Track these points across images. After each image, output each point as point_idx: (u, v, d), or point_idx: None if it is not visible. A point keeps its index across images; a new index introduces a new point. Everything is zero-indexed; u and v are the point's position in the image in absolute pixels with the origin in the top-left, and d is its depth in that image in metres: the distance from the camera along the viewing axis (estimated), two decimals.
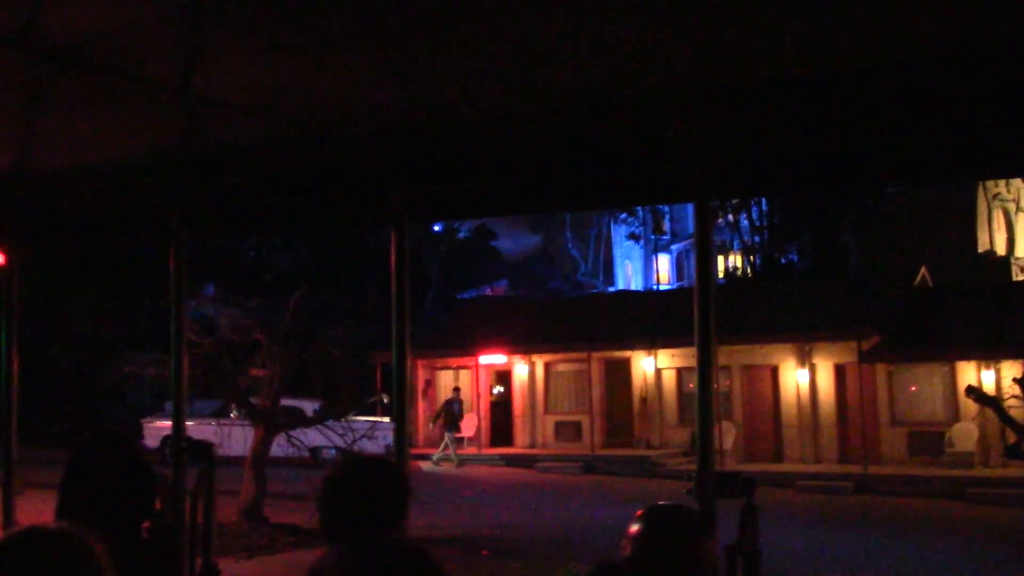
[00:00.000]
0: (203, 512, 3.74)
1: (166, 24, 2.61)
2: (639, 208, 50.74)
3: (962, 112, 2.63)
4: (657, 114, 2.74)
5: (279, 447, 16.09)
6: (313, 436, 16.61)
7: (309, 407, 20.14)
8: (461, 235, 52.69)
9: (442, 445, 26.38)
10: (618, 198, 3.52)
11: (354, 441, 16.09)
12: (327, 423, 16.58)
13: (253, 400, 15.94)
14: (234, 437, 17.60)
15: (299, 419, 17.11)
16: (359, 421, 18.90)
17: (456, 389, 27.54)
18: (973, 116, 2.65)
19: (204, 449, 3.75)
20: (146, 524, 3.05)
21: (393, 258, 3.34)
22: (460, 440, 28.09)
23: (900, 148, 2.79)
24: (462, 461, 26.26)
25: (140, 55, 2.74)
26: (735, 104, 2.67)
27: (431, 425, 27.14)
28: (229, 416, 20.26)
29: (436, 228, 50.29)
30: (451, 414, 26.55)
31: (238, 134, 3.29)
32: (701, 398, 2.95)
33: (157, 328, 3.98)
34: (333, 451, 18.56)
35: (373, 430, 18.27)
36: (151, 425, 23.97)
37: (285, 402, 17.47)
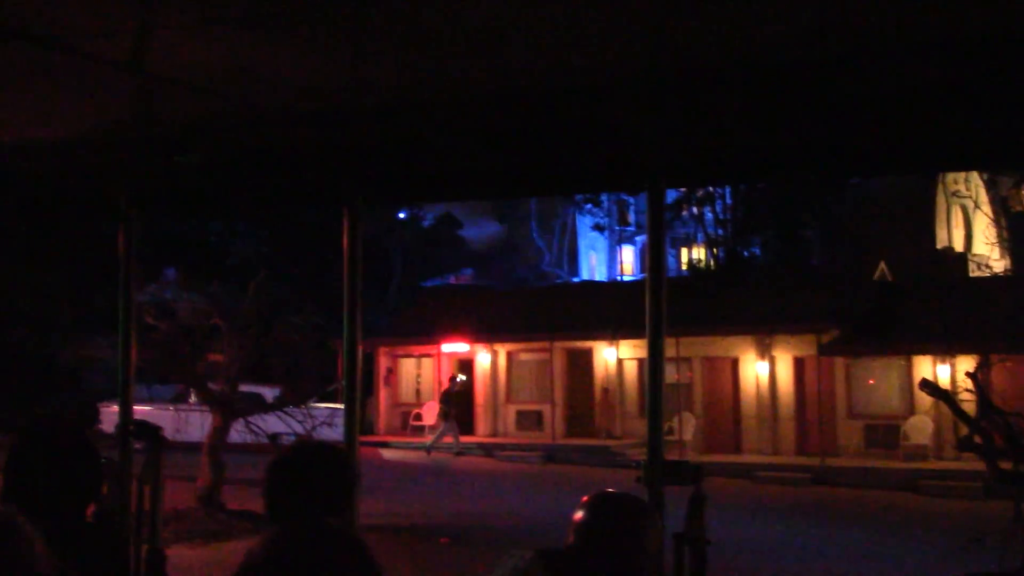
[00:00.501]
0: (150, 496, 3.69)
1: None
2: (604, 198, 50.88)
3: (918, 103, 2.64)
4: (609, 100, 2.73)
5: (238, 434, 15.95)
6: (273, 423, 16.49)
7: (269, 393, 20.00)
8: (425, 223, 52.48)
9: (452, 435, 26.02)
10: (571, 184, 3.52)
11: (314, 428, 16.00)
12: (287, 410, 16.46)
13: (211, 386, 15.79)
14: (192, 423, 17.46)
15: (258, 405, 16.98)
16: (319, 408, 18.80)
17: (452, 378, 27.25)
18: (929, 107, 2.66)
19: (151, 431, 3.68)
20: (91, 508, 3.01)
21: (345, 240, 3.31)
22: (421, 428, 28.07)
23: (856, 138, 2.80)
24: (423, 448, 26.20)
25: (88, 28, 2.68)
26: (687, 91, 2.67)
27: (442, 417, 26.67)
28: (188, 402, 20.08)
29: (401, 215, 50.07)
30: (447, 401, 26.29)
31: (189, 113, 3.23)
32: (652, 381, 2.95)
33: (115, 311, 3.89)
34: (293, 437, 18.46)
35: (333, 417, 18.17)
36: (109, 410, 23.72)
37: (244, 388, 17.32)
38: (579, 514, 2.51)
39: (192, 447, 15.67)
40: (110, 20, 2.64)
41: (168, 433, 3.83)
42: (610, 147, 2.86)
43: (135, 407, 4.12)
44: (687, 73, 2.63)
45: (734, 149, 2.82)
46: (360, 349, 3.59)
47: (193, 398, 18.85)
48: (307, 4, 2.53)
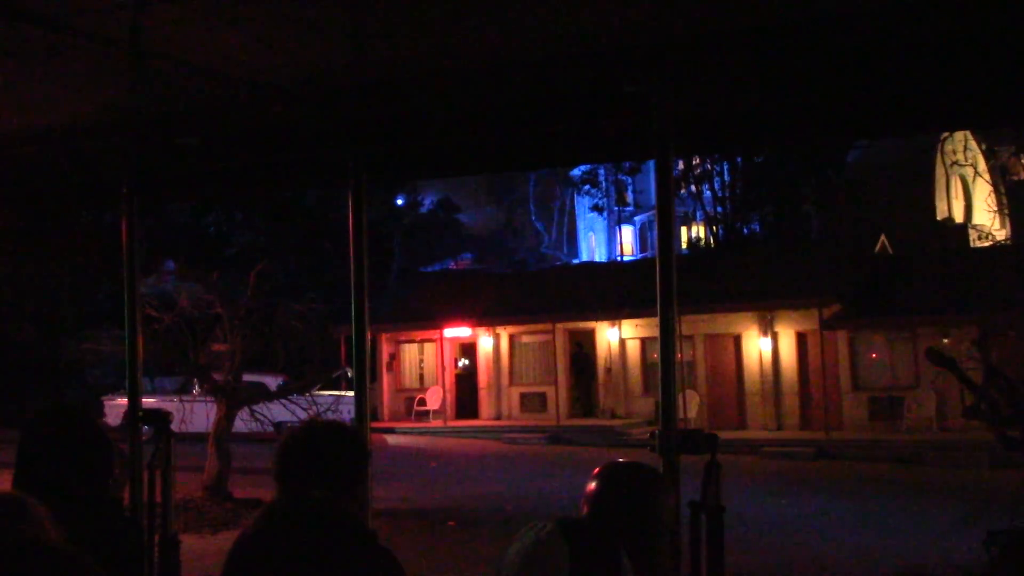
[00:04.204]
0: (161, 483, 3.67)
1: None
2: (602, 179, 50.74)
3: (928, 60, 2.60)
4: (615, 68, 2.69)
5: (243, 423, 15.96)
6: (278, 411, 16.50)
7: (273, 382, 20.00)
8: (424, 209, 52.38)
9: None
10: (579, 153, 3.48)
11: (318, 415, 15.98)
12: (292, 398, 16.46)
13: (215, 376, 15.78)
14: (197, 414, 17.44)
15: (262, 394, 16.98)
16: (324, 395, 18.80)
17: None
18: (941, 64, 2.62)
19: (160, 417, 3.67)
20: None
21: (351, 219, 3.28)
22: (426, 413, 28.13)
23: (866, 98, 2.76)
24: (427, 432, 26.23)
25: (84, 6, 2.63)
26: (695, 56, 2.63)
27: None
28: (192, 393, 20.08)
29: (399, 202, 49.97)
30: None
31: (189, 94, 3.20)
32: (664, 349, 2.93)
33: (117, 305, 3.89)
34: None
35: (338, 404, 18.18)
36: (112, 403, 23.74)
37: (248, 377, 17.31)
38: (591, 485, 2.50)
39: (198, 438, 15.68)
40: None
41: (173, 424, 3.81)
42: (617, 114, 2.82)
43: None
44: (693, 36, 2.59)
45: (742, 112, 2.79)
46: (373, 338, 3.56)
47: (197, 389, 18.85)
48: None
